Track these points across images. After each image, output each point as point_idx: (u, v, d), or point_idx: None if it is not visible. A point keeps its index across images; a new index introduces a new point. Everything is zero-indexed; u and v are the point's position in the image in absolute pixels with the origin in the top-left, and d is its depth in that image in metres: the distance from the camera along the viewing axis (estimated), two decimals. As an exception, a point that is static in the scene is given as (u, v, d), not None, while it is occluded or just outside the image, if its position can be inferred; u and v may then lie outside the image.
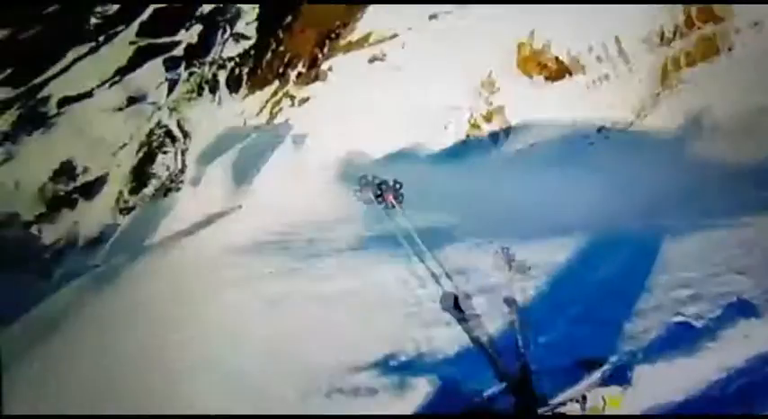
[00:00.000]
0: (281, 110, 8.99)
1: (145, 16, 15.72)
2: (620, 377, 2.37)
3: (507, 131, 7.66)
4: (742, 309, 2.53)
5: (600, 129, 7.11)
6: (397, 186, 2.56)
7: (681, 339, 2.44)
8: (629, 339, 2.53)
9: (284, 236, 4.41)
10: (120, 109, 14.35)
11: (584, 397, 2.23)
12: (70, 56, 14.90)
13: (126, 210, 11.22)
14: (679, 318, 2.58)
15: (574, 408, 2.29)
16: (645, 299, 2.74)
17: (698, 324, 2.52)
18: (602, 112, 7.21)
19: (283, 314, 3.08)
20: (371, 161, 6.49)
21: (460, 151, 6.57)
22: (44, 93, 14.48)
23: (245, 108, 10.09)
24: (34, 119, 13.81)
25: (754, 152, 5.24)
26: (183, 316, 3.56)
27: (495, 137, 7.60)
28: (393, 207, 2.54)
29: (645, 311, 2.63)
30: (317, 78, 9.96)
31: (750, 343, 2.32)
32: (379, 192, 2.54)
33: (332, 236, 4.15)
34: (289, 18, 12.73)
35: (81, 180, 12.88)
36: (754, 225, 3.31)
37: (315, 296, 3.12)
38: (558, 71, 7.90)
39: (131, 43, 15.77)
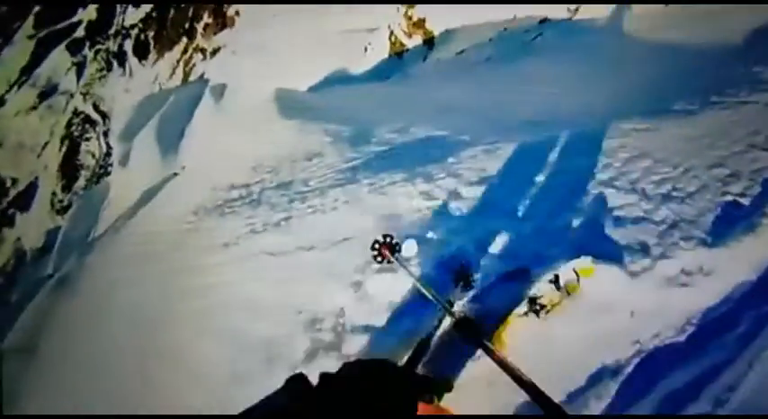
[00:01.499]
0: (194, 66, 8.38)
1: (37, 7, 14.43)
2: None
3: (431, 42, 7.41)
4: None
5: (542, 21, 6.95)
6: (389, 240, 2.37)
7: (733, 217, 2.43)
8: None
9: (245, 189, 4.23)
10: (34, 108, 13.30)
11: (556, 277, 2.24)
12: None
13: (63, 210, 10.66)
14: (728, 198, 2.55)
15: (551, 293, 2.29)
16: (688, 181, 2.72)
17: (745, 201, 2.51)
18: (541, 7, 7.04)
19: (283, 266, 2.98)
20: (303, 94, 6.20)
21: (386, 70, 6.33)
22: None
23: (157, 73, 9.41)
24: (-52, 146, 12.74)
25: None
26: (170, 293, 3.44)
27: (419, 50, 7.36)
28: (390, 262, 2.37)
29: (693, 194, 2.60)
30: (224, 26, 9.27)
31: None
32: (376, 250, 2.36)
33: (304, 175, 3.94)
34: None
35: (12, 193, 12.11)
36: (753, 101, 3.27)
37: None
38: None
39: (30, 37, 14.44)
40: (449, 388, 2.03)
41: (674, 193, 2.65)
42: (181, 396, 2.63)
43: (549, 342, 2.12)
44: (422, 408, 1.56)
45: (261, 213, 3.76)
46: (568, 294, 2.27)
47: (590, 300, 2.27)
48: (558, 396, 2.06)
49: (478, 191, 2.95)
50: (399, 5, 7.99)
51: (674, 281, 2.40)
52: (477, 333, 1.83)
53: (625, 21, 6.96)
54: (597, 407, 2.11)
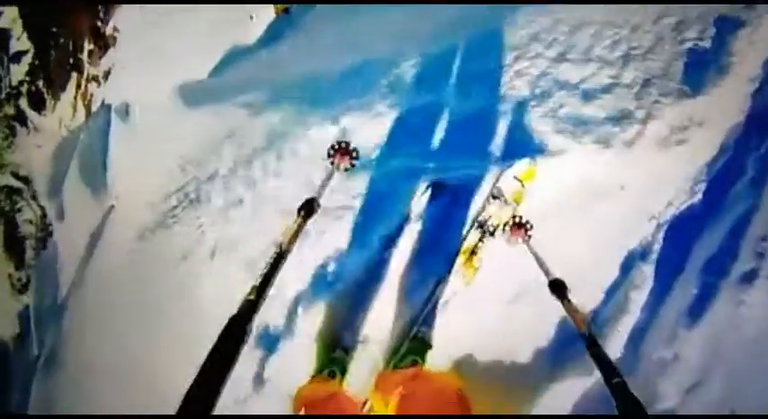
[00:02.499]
0: (92, 96, 7.95)
1: None
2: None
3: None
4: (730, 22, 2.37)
5: None
6: (345, 145, 2.19)
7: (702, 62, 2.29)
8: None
9: (181, 193, 4.03)
10: (-45, 197, 12.50)
11: (498, 191, 2.16)
12: None
13: (24, 288, 10.23)
14: (688, 45, 2.41)
15: (498, 211, 2.20)
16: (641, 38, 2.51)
17: (705, 44, 2.38)
18: None
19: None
20: (207, 81, 5.94)
21: (278, 29, 6.09)
22: None
23: (60, 117, 8.90)
24: None
25: None
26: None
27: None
28: (348, 169, 2.19)
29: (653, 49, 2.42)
30: (107, 47, 8.75)
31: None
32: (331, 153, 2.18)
33: (233, 153, 3.72)
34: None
35: (-30, 295, 11.52)
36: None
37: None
38: None
39: None
40: (429, 346, 2.01)
41: (633, 52, 2.50)
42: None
43: (559, 246, 2.03)
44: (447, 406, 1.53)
45: (205, 210, 3.60)
46: (517, 204, 2.19)
47: (588, 189, 2.18)
48: (596, 295, 2.00)
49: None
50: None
51: (670, 141, 2.31)
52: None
53: None
54: (639, 298, 2.02)
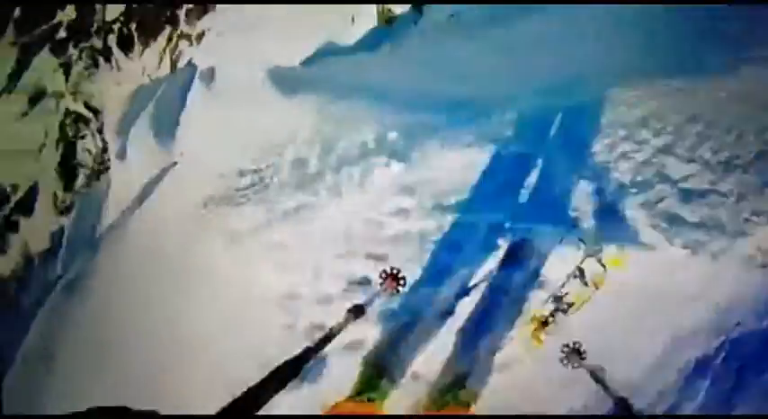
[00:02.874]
0: (180, 53, 8.24)
1: (16, 13, 14.19)
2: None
3: (420, 9, 7.21)
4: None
5: None
6: (395, 271, 2.26)
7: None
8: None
9: (256, 175, 4.02)
10: (25, 113, 13.17)
11: (581, 271, 2.15)
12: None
13: (66, 210, 10.66)
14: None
15: (577, 289, 2.19)
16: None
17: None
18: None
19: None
20: (299, 69, 6.04)
21: (376, 39, 6.20)
22: (-58, 130, 13.16)
23: (144, 64, 9.26)
24: (-55, 156, 12.65)
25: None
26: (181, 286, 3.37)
27: (409, 16, 7.17)
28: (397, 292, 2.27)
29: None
30: (206, 10, 9.08)
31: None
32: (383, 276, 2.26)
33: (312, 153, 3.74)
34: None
35: (13, 200, 12.10)
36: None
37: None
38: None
39: (13, 44, 14.23)
40: (474, 398, 2.01)
41: (735, 162, 2.41)
42: (199, 392, 2.63)
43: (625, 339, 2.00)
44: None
45: (275, 199, 3.57)
46: (596, 288, 2.15)
47: (665, 290, 2.13)
48: (648, 395, 1.96)
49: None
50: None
51: (755, 261, 2.23)
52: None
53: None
54: (689, 407, 1.97)
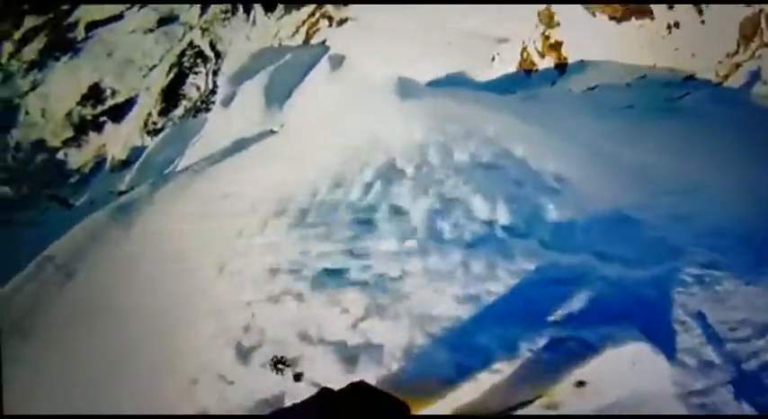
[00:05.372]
0: (317, 30, 8.42)
1: None
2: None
3: (563, 68, 6.99)
4: None
5: (688, 78, 6.33)
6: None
7: None
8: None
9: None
10: (151, 30, 13.94)
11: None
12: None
13: (154, 132, 11.11)
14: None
15: None
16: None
17: None
18: (683, 61, 6.41)
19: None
20: (425, 87, 5.94)
21: (512, 84, 6.01)
22: (72, 18, 14.15)
23: (279, 28, 9.55)
24: (62, 44, 13.58)
25: None
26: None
27: (549, 73, 6.97)
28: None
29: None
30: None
31: None
32: None
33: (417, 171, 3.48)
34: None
35: (109, 102, 12.78)
36: None
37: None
38: (625, 12, 7.07)
39: None
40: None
41: None
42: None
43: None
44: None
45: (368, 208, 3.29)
46: None
47: None
48: None
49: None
50: (538, 22, 7.63)
51: None
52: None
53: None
54: None
